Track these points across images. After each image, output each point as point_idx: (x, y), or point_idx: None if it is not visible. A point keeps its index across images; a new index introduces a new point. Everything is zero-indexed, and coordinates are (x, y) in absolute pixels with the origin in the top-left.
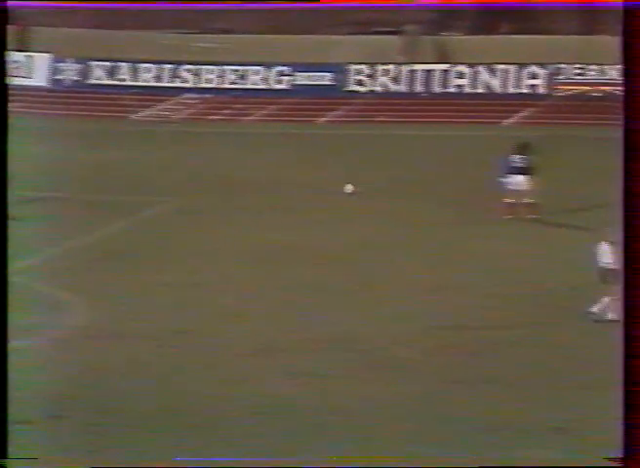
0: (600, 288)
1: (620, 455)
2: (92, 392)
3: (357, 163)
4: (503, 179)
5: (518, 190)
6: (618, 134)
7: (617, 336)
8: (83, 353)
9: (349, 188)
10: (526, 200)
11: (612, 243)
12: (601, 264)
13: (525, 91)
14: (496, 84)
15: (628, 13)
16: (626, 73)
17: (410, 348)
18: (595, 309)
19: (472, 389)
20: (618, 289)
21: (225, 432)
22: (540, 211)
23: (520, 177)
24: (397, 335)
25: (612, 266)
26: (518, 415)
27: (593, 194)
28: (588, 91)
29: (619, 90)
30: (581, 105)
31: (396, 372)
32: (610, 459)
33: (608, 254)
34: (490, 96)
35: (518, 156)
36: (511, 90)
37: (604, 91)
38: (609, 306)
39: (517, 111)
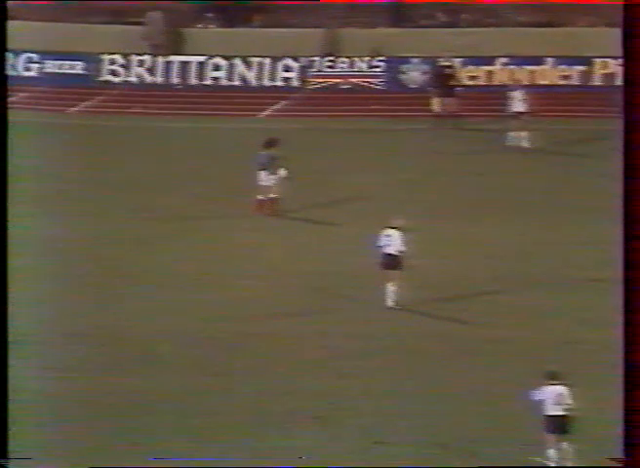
0: (383, 275)
1: (621, 456)
2: None
3: (110, 155)
4: (256, 175)
5: (266, 186)
6: (371, 125)
7: (397, 323)
8: None
9: (283, 173)
10: (272, 195)
11: (398, 230)
12: (386, 252)
13: (280, 83)
14: (251, 76)
15: (629, 8)
16: (626, 68)
17: (172, 341)
18: (387, 298)
19: (233, 381)
20: (400, 275)
21: None
22: (284, 207)
23: (266, 173)
24: (159, 328)
25: (396, 253)
26: (279, 405)
27: (352, 185)
28: (339, 83)
29: (367, 82)
30: (334, 97)
31: (156, 365)
32: (611, 460)
33: (393, 243)
34: (246, 88)
35: (265, 152)
36: (267, 82)
37: (353, 83)
38: (393, 293)
39: (272, 104)
